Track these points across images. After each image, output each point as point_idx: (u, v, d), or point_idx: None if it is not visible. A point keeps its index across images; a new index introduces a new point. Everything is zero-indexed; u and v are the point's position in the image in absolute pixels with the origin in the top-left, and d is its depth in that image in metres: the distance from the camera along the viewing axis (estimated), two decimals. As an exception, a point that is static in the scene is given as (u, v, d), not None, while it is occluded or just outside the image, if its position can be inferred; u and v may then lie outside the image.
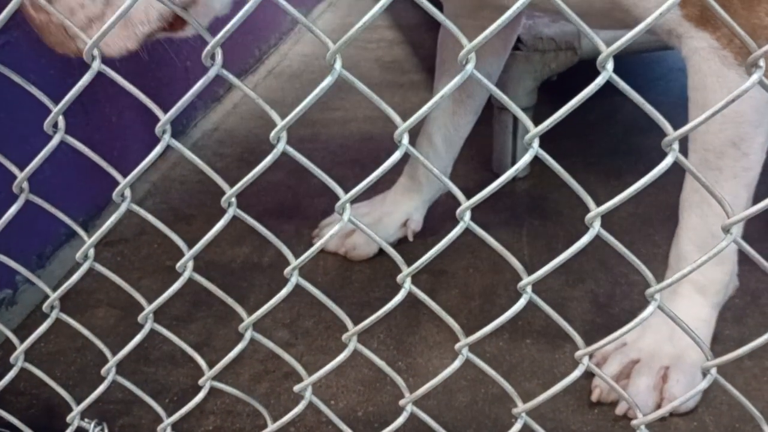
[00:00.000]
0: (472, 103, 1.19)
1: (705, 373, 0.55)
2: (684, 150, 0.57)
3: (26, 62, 1.13)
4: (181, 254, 0.61)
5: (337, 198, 0.55)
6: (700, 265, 0.52)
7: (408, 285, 0.56)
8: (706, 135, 0.82)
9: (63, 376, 1.02)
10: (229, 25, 0.48)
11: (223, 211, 0.57)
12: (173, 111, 0.53)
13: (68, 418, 0.73)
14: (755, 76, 0.46)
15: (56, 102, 0.58)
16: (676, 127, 0.48)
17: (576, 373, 0.57)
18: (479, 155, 1.54)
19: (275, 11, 2.29)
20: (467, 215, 0.54)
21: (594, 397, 0.91)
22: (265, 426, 0.70)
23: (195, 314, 1.14)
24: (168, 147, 0.55)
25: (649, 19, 0.45)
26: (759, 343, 0.52)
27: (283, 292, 0.58)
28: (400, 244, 1.27)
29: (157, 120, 0.54)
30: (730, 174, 0.83)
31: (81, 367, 1.03)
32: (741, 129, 0.79)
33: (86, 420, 0.79)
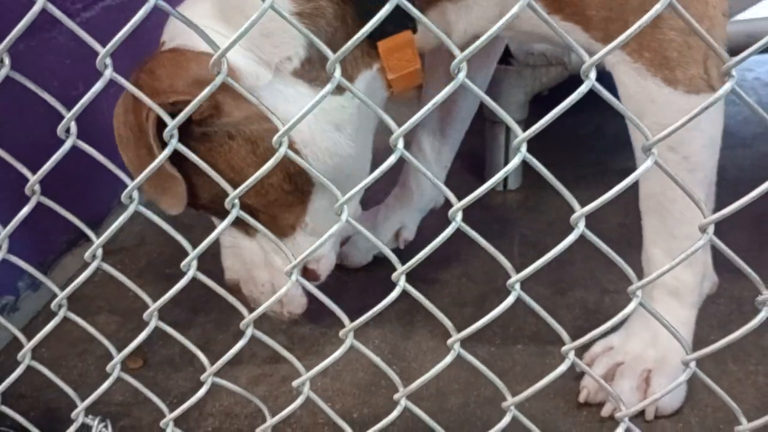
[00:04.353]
0: (458, 114, 1.23)
1: (685, 366, 0.58)
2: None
3: (32, 72, 1.16)
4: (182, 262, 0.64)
5: (334, 205, 0.58)
6: (671, 267, 0.55)
7: (402, 283, 0.59)
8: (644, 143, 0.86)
9: (64, 380, 1.03)
10: (235, 36, 0.51)
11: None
12: (181, 117, 0.56)
13: (73, 414, 0.76)
14: (728, 85, 0.50)
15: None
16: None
17: (562, 368, 0.60)
18: (472, 169, 1.57)
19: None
20: (459, 216, 0.57)
21: (582, 398, 0.94)
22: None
23: (194, 320, 1.16)
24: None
25: (631, 30, 0.49)
26: (736, 337, 0.55)
27: (284, 290, 0.60)
28: (393, 253, 1.29)
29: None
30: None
31: (82, 372, 1.06)
32: (674, 135, 0.83)
33: (90, 417, 0.81)
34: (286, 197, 0.92)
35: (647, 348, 0.93)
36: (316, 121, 0.88)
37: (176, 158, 0.64)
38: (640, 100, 0.82)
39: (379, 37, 0.84)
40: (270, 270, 0.99)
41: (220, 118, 0.85)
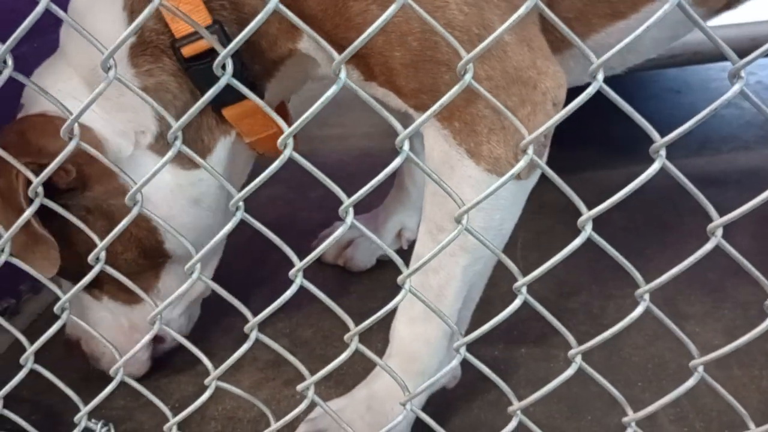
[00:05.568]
0: None
1: (693, 370, 0.58)
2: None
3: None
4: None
5: (335, 211, 0.58)
6: (672, 276, 0.54)
7: (408, 286, 0.59)
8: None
9: (66, 383, 1.03)
10: (240, 36, 0.51)
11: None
12: (185, 118, 0.56)
13: (76, 418, 0.75)
14: (736, 87, 0.49)
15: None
16: (666, 139, 0.51)
17: (569, 372, 0.59)
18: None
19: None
20: (465, 219, 0.56)
21: None
22: (266, 433, 0.71)
23: (196, 323, 1.15)
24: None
25: (644, 26, 0.48)
26: (743, 342, 0.55)
27: (288, 293, 0.60)
28: (396, 253, 1.29)
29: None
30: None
31: (85, 375, 1.05)
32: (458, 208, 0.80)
33: (93, 421, 0.80)
34: (139, 268, 0.94)
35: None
36: (174, 198, 0.89)
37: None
38: (439, 166, 0.81)
39: (221, 106, 0.85)
40: (117, 331, 0.99)
41: (83, 192, 0.87)
